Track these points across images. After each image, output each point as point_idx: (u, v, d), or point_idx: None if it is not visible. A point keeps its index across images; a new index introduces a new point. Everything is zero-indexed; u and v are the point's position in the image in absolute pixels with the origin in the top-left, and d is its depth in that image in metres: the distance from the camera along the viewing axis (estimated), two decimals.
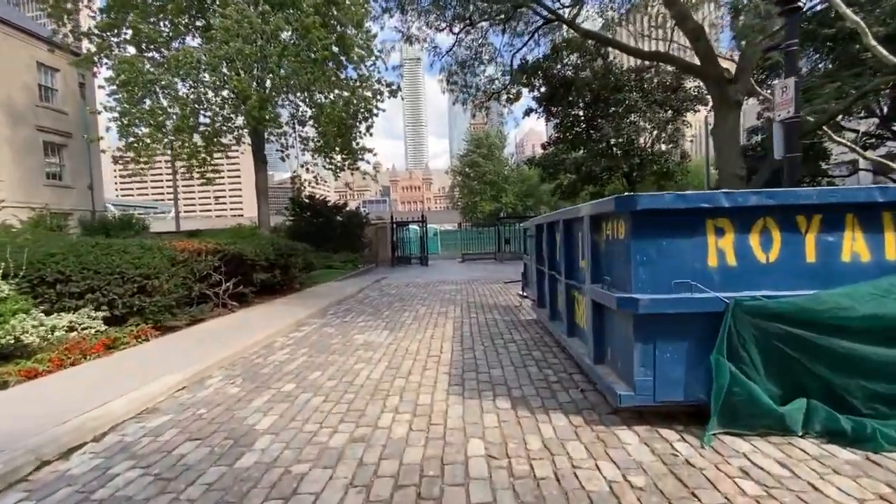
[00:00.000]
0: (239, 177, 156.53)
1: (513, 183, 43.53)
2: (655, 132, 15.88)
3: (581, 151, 19.08)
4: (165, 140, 17.14)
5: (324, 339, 5.95)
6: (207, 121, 18.26)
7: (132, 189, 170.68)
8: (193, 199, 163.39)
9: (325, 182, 22.64)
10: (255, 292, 9.07)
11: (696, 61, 10.63)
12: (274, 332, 6.33)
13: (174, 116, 16.09)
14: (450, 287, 11.18)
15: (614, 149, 16.72)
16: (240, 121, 18.26)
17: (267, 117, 15.80)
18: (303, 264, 11.34)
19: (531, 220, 6.20)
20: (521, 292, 7.93)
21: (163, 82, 15.29)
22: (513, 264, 18.67)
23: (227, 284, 7.57)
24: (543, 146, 20.85)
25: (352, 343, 5.64)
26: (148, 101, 16.36)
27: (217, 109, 17.30)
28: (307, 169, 22.78)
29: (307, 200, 19.82)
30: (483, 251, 22.88)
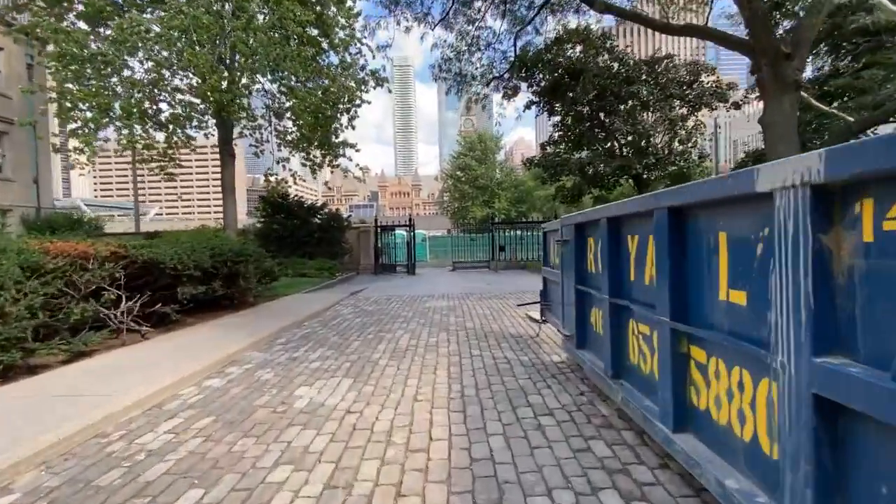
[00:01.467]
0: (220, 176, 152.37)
1: (506, 188, 41.79)
2: (671, 130, 14.21)
3: (585, 151, 17.31)
4: (113, 127, 14.89)
5: (249, 397, 3.86)
6: (168, 107, 16.09)
7: (111, 188, 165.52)
8: (175, 199, 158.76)
9: (304, 180, 20.48)
10: (188, 310, 6.94)
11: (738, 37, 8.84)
12: (181, 378, 4.21)
13: (122, 98, 13.85)
14: (441, 304, 9.15)
15: (624, 148, 14.98)
16: (205, 108, 16.09)
17: (231, 100, 13.66)
18: (259, 273, 9.21)
19: (566, 217, 4.23)
20: (538, 316, 5.96)
21: (107, 57, 13.08)
22: (509, 274, 16.72)
23: (130, 303, 5.42)
24: (542, 146, 19.05)
25: (288, 408, 3.56)
26: (94, 81, 14.08)
27: (175, 93, 15.11)
28: (283, 166, 20.68)
29: (280, 199, 17.65)
30: (475, 259, 20.90)
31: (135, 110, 13.98)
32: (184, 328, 6.63)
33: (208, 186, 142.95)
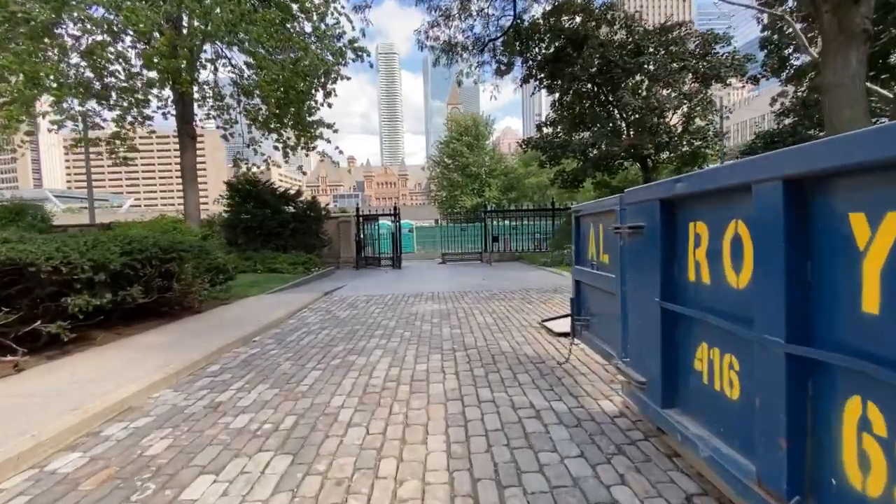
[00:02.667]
0: (203, 166, 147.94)
1: (497, 176, 40.08)
2: (685, 106, 12.73)
3: (586, 132, 15.74)
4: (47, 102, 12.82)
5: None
6: (115, 80, 14.01)
7: (85, 180, 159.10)
8: (154, 190, 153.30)
9: (279, 166, 18.59)
10: (106, 323, 5.22)
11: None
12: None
13: (53, 66, 11.78)
14: (430, 307, 7.53)
15: (631, 127, 13.45)
16: (155, 80, 14.06)
17: (180, 69, 11.70)
18: (208, 272, 7.47)
19: (641, 189, 2.63)
20: (558, 327, 4.39)
21: (32, 14, 10.99)
22: (505, 267, 15.17)
23: None
24: (539, 127, 17.44)
25: None
26: (19, 45, 11.95)
27: (119, 61, 13.05)
28: (255, 149, 18.72)
29: (248, 186, 15.75)
30: (466, 251, 19.31)
31: (68, 81, 11.96)
32: (88, 349, 4.91)
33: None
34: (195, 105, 17.89)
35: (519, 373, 3.86)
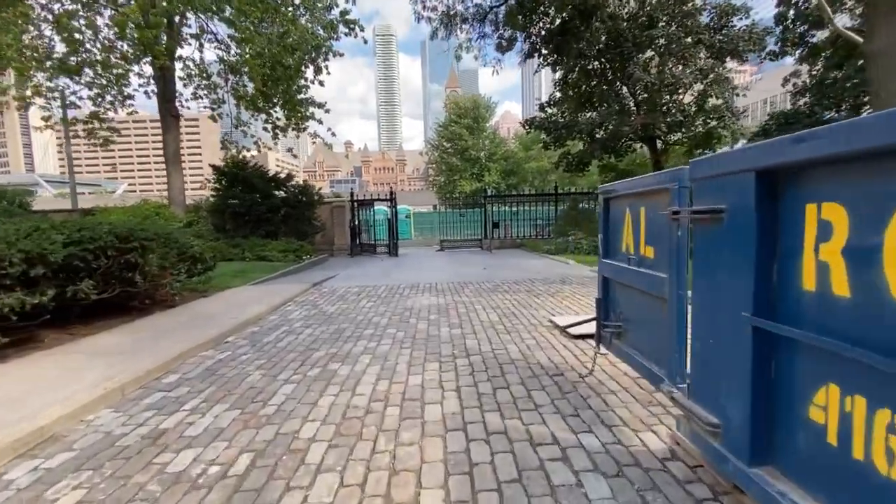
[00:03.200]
0: (199, 150, 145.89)
1: (497, 160, 39.06)
2: (700, 82, 11.85)
3: (590, 112, 14.88)
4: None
5: None
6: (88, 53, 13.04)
7: (80, 165, 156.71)
8: (150, 175, 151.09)
9: (270, 148, 17.69)
10: (59, 321, 4.53)
11: None
12: None
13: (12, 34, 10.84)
14: (428, 301, 6.84)
15: (642, 106, 12.60)
16: (132, 54, 13.11)
17: (155, 38, 10.77)
18: (183, 261, 6.75)
19: (719, 157, 1.88)
20: (570, 325, 3.70)
21: None
22: (506, 255, 14.46)
23: None
24: (542, 107, 16.55)
25: None
26: None
27: (88, 29, 12.09)
28: (243, 131, 17.83)
29: (236, 169, 14.90)
30: (466, 237, 18.59)
31: (34, 54, 11.05)
32: (30, 354, 4.22)
33: (185, 160, 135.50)
34: (180, 84, 16.97)
35: (534, 389, 3.17)
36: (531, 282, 8.47)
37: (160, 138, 17.46)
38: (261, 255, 13.26)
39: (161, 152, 14.67)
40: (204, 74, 16.75)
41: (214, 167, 14.73)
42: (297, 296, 7.71)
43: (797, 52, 17.12)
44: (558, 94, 16.55)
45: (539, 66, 16.83)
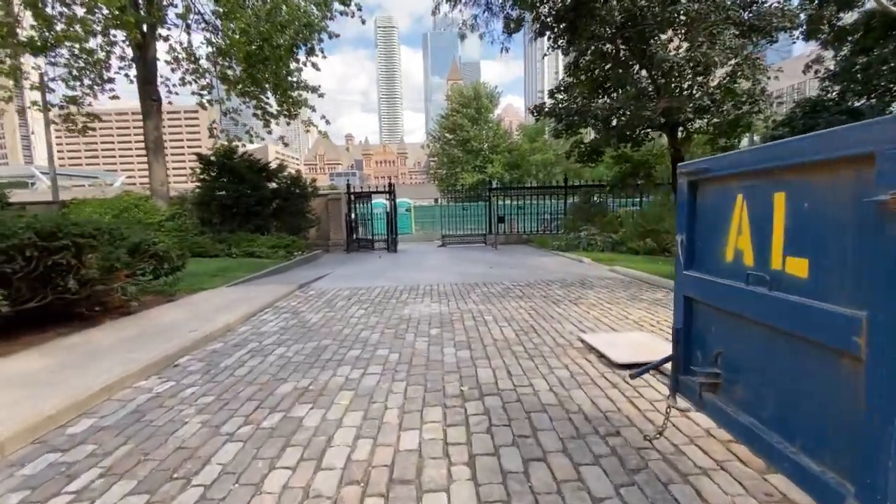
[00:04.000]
0: (198, 142, 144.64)
1: (501, 152, 37.84)
2: (730, 63, 10.67)
3: (607, 98, 13.76)
4: None
5: None
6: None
7: (80, 157, 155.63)
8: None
9: (258, 138, 16.60)
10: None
11: None
12: None
13: None
14: (427, 310, 5.82)
15: (661, 90, 11.48)
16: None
17: (125, 6, 9.67)
18: (108, 262, 5.71)
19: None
20: (631, 366, 2.69)
21: None
22: (513, 252, 13.42)
23: None
24: (552, 93, 15.40)
25: None
26: None
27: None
28: (234, 119, 16.74)
29: (224, 158, 13.85)
30: (468, 232, 17.57)
31: None
32: None
33: (184, 152, 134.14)
34: (167, 69, 15.88)
35: (584, 463, 2.16)
36: (546, 284, 7.44)
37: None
38: (248, 251, 12.28)
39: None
40: (192, 58, 15.69)
41: (200, 156, 13.69)
42: (279, 300, 6.71)
43: (821, 36, 15.99)
44: (568, 80, 15.41)
45: (548, 48, 15.68)
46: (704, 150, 14.41)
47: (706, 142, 12.96)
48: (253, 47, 11.94)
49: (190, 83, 16.22)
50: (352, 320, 5.30)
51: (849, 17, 16.38)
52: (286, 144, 16.34)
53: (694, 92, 11.20)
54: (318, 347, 4.25)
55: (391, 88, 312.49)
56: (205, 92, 16.24)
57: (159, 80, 16.49)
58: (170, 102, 17.05)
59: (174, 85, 17.46)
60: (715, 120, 11.24)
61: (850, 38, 16.22)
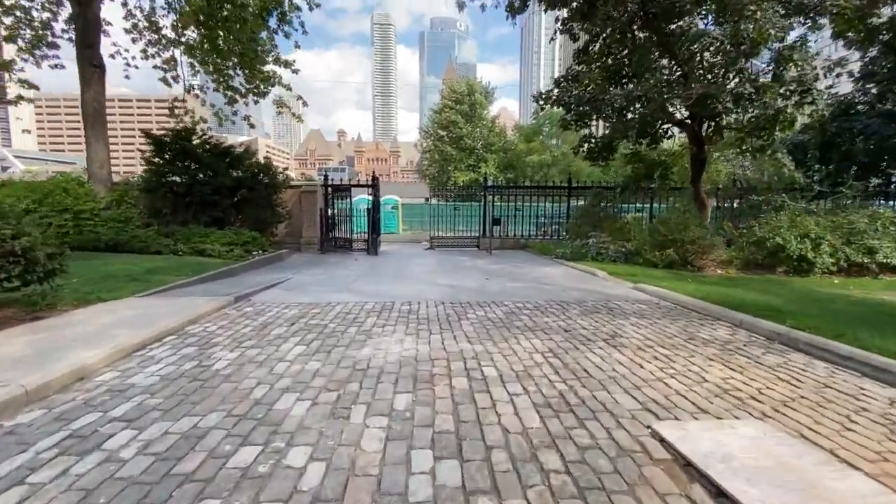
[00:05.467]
0: None
1: (495, 151, 36.04)
2: (777, 44, 9.01)
3: (624, 86, 12.04)
4: None
5: None
6: None
7: (62, 142, 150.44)
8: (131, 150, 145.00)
9: (227, 120, 14.59)
10: None
11: None
12: None
13: None
14: (399, 350, 3.95)
15: (688, 76, 9.80)
16: None
17: None
18: None
19: None
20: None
21: None
22: (510, 258, 11.62)
23: None
24: (557, 82, 13.65)
25: None
26: None
27: None
28: (197, 95, 14.74)
29: (180, 140, 11.78)
30: (460, 234, 15.74)
31: None
32: None
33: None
34: (128, 38, 13.87)
35: None
36: (562, 308, 5.64)
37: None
38: (198, 248, 10.31)
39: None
40: (154, 27, 13.67)
41: (148, 134, 11.62)
42: (196, 321, 4.81)
43: (850, 35, 14.54)
44: (577, 68, 13.70)
45: (556, 31, 13.97)
46: (729, 150, 12.78)
47: (734, 141, 11.30)
48: (206, 2, 9.98)
49: (153, 56, 14.25)
50: (278, 367, 3.42)
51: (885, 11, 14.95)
52: (252, 126, 14.32)
53: (731, 78, 9.50)
54: (191, 435, 2.38)
55: (386, 86, 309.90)
56: (167, 67, 14.27)
57: (119, 52, 14.49)
58: (127, 77, 15.00)
59: (133, 57, 15.42)
60: (753, 113, 9.55)
61: (881, 37, 14.81)
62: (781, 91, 8.76)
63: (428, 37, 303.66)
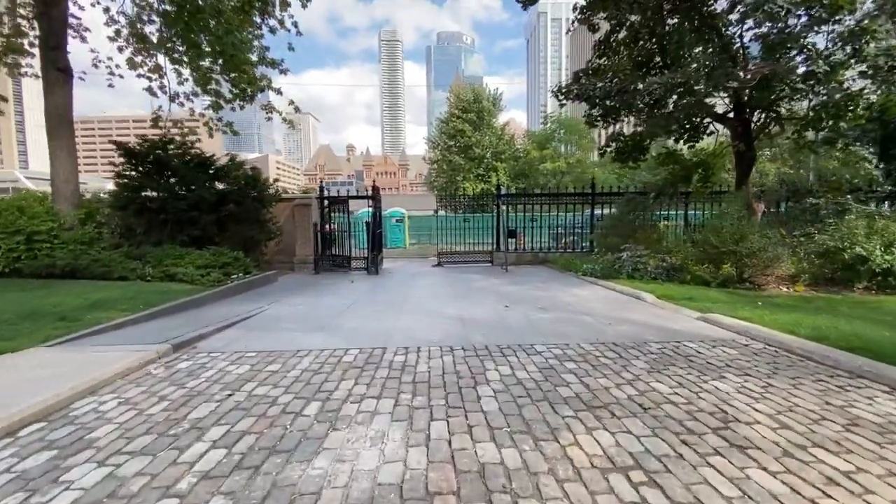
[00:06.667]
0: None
1: (506, 160, 34.52)
2: (854, 19, 7.42)
3: (661, 74, 10.47)
4: None
5: None
6: None
7: (81, 163, 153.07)
8: None
9: (219, 130, 13.33)
10: None
11: None
12: None
13: None
14: (375, 462, 2.41)
15: (735, 56, 8.19)
16: None
17: None
18: None
19: None
20: None
21: None
22: (530, 277, 9.94)
23: None
24: (577, 76, 12.15)
25: None
26: None
27: None
28: (182, 103, 13.55)
29: (157, 149, 10.47)
30: (470, 249, 14.20)
31: None
32: None
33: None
34: (111, 46, 12.77)
35: None
36: (619, 355, 4.02)
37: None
38: (169, 273, 8.90)
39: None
40: (138, 36, 12.54)
41: (119, 144, 10.34)
42: (90, 393, 3.30)
43: None
44: (598, 61, 12.22)
45: (573, 21, 12.55)
46: (780, 146, 11.09)
47: (792, 134, 9.62)
48: None
49: (141, 65, 13.12)
50: None
51: None
52: (236, 133, 12.99)
53: (791, 57, 7.87)
54: None
55: (394, 101, 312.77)
56: (153, 75, 13.14)
57: (101, 60, 13.38)
58: (111, 86, 13.87)
59: (117, 66, 14.28)
60: (821, 97, 7.90)
61: None
62: (864, 69, 7.09)
63: (435, 51, 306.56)
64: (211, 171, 11.34)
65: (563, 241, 14.10)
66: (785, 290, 8.39)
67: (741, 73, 7.35)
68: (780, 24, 7.38)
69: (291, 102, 12.78)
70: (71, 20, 13.05)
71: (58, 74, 10.17)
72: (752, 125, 9.86)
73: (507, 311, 6.29)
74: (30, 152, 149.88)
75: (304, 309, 6.68)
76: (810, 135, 9.88)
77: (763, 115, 9.33)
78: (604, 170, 32.48)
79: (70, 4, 10.82)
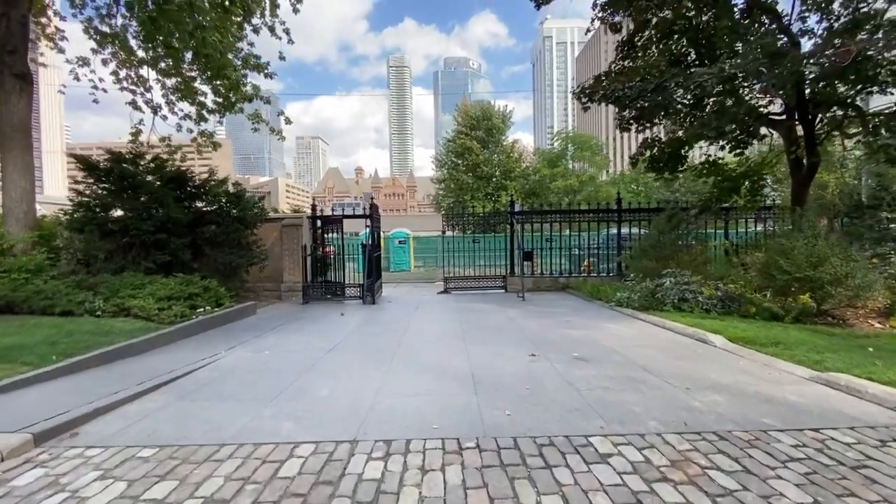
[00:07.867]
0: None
1: (515, 178, 33.15)
2: None
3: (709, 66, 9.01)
4: None
5: None
6: None
7: None
8: None
9: (204, 146, 12.10)
10: None
11: None
12: None
13: None
14: None
15: (793, 44, 6.75)
16: None
17: None
18: None
19: None
20: None
21: None
22: (551, 306, 8.29)
23: None
24: (598, 79, 10.76)
25: None
26: None
27: None
28: (165, 116, 12.39)
29: (125, 164, 9.19)
30: (481, 273, 12.60)
31: None
32: None
33: None
34: (97, 59, 11.75)
35: None
36: (738, 459, 2.40)
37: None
38: (124, 306, 7.44)
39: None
40: (123, 48, 11.49)
41: (78, 158, 9.06)
42: None
43: None
44: (621, 62, 10.90)
45: (592, 20, 11.31)
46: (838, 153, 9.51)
47: (865, 135, 8.04)
48: None
49: (129, 78, 12.07)
50: None
51: None
52: (218, 145, 11.74)
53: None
54: None
55: (402, 125, 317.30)
56: (137, 87, 12.07)
57: (84, 75, 12.32)
58: (95, 101, 12.81)
59: (101, 79, 13.19)
60: None
61: None
62: None
63: (442, 76, 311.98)
64: (189, 188, 10.06)
65: (587, 263, 12.49)
66: (878, 325, 6.70)
67: (819, 57, 5.82)
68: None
69: (281, 113, 11.55)
70: (48, 29, 12.17)
71: (15, 81, 9.00)
72: (817, 125, 8.32)
73: (535, 361, 4.69)
74: (45, 176, 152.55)
75: (269, 357, 5.13)
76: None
77: (834, 113, 7.76)
78: (616, 187, 31.02)
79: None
